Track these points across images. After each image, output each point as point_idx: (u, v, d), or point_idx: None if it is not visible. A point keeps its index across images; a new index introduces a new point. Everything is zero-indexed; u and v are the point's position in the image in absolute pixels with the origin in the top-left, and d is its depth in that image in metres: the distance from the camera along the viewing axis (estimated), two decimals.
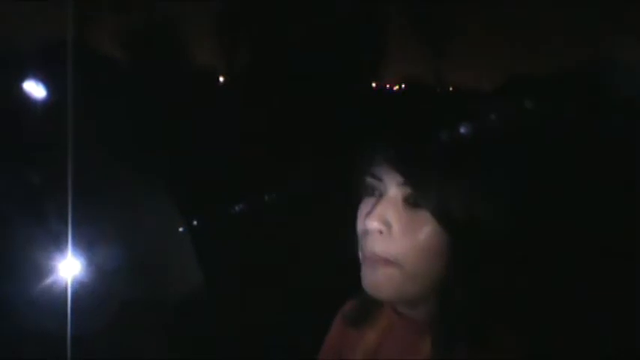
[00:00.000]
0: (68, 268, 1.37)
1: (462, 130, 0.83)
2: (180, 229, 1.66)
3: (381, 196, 0.82)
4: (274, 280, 2.63)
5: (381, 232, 0.80)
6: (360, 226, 0.84)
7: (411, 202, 0.80)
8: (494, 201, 0.79)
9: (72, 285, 1.29)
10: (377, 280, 0.81)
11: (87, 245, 1.44)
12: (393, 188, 0.81)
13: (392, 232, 0.80)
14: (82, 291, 1.33)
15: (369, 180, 0.84)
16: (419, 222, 0.79)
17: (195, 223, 2.01)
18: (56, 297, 1.32)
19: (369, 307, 0.94)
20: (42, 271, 1.36)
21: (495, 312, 0.81)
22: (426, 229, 0.79)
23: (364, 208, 0.84)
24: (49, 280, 1.35)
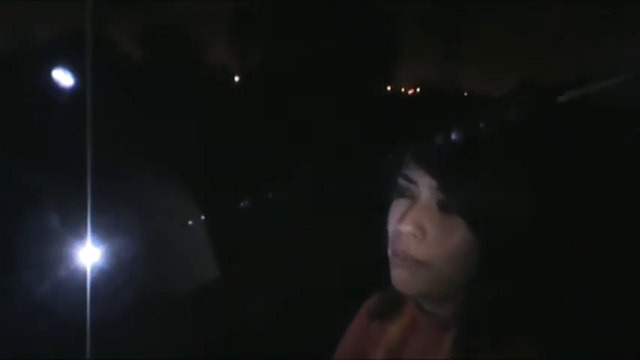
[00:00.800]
0: (87, 257, 1.38)
1: (495, 134, 0.82)
2: (200, 223, 1.67)
3: (413, 198, 0.82)
4: (295, 276, 2.63)
5: (415, 237, 0.80)
6: (391, 227, 0.84)
7: (444, 207, 0.79)
8: (526, 206, 0.78)
9: (91, 273, 1.30)
10: (405, 276, 0.81)
11: (105, 235, 1.45)
12: (427, 192, 0.80)
13: (426, 237, 0.79)
14: (100, 279, 1.34)
15: (402, 182, 0.84)
16: (451, 227, 0.79)
17: (213, 218, 2.01)
18: (75, 285, 1.33)
19: (394, 302, 0.94)
20: (62, 260, 1.38)
21: (519, 313, 0.81)
22: (458, 235, 0.78)
23: (396, 209, 0.84)
24: (68, 269, 1.36)
